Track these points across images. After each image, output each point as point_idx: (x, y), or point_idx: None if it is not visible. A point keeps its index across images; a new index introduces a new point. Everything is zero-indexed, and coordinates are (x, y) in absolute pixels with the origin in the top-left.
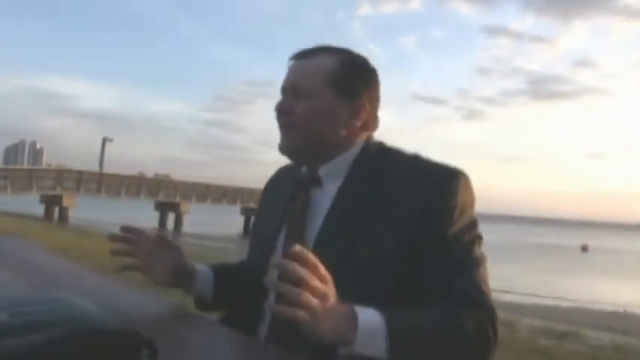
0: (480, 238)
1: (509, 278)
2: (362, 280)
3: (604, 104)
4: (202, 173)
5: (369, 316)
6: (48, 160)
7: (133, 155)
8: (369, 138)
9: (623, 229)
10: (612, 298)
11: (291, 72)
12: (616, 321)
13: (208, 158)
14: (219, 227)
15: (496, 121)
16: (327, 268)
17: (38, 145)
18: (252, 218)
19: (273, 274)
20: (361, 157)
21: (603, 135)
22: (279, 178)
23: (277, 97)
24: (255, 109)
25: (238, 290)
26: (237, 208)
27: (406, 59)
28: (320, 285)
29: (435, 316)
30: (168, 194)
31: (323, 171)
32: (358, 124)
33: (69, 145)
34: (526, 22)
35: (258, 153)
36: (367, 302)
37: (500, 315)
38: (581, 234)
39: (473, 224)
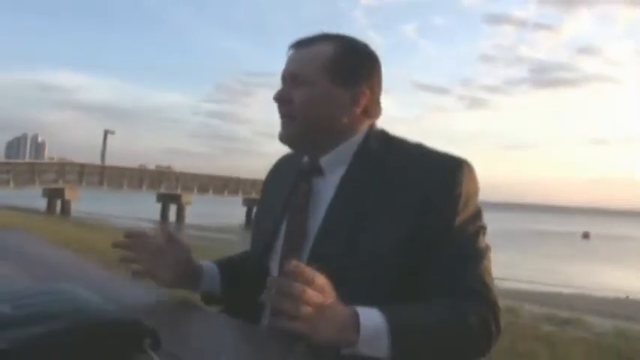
0: (484, 228)
1: (512, 265)
2: (365, 272)
3: (608, 91)
4: (204, 165)
5: (370, 317)
6: (50, 153)
7: (134, 147)
8: (372, 126)
9: (627, 216)
10: (614, 284)
11: (290, 61)
12: (618, 307)
13: (210, 149)
14: (221, 218)
15: (500, 109)
16: (330, 259)
17: (40, 139)
18: (255, 209)
19: (269, 290)
20: (364, 146)
21: (607, 122)
22: (281, 167)
23: (278, 87)
24: (257, 99)
25: (244, 283)
26: (239, 199)
27: (408, 48)
28: (316, 296)
29: (437, 312)
30: (169, 186)
31: (325, 160)
32: (358, 110)
33: (71, 138)
34: (529, 9)
35: (259, 144)
36: (371, 294)
37: (503, 302)
38: (584, 221)
39: (477, 215)
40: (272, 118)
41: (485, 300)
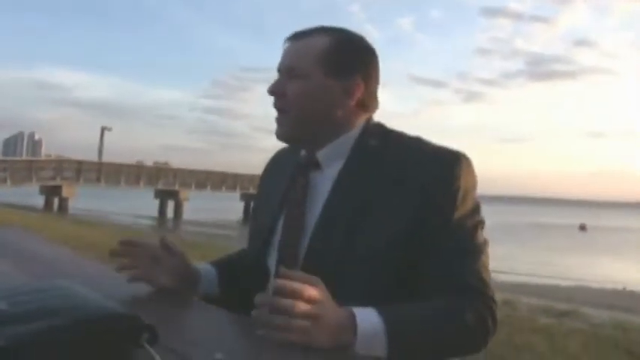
0: (482, 222)
1: (509, 258)
2: (363, 266)
3: (605, 84)
4: (202, 160)
5: (367, 317)
6: (47, 151)
7: (131, 144)
8: (369, 119)
9: (624, 208)
10: (612, 276)
11: (286, 53)
12: (616, 299)
13: (207, 145)
14: (219, 214)
15: (496, 102)
16: (328, 254)
17: (37, 136)
18: (252, 203)
19: (259, 308)
20: (361, 140)
21: (604, 115)
22: (278, 161)
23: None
24: (254, 95)
25: (242, 281)
26: (236, 195)
27: (404, 41)
28: (308, 308)
29: (433, 310)
30: (167, 182)
31: (322, 154)
32: (353, 102)
33: (68, 135)
34: (525, 2)
35: (256, 139)
36: (368, 288)
37: (501, 295)
38: (581, 213)
39: (476, 209)
40: (269, 114)
41: (482, 295)
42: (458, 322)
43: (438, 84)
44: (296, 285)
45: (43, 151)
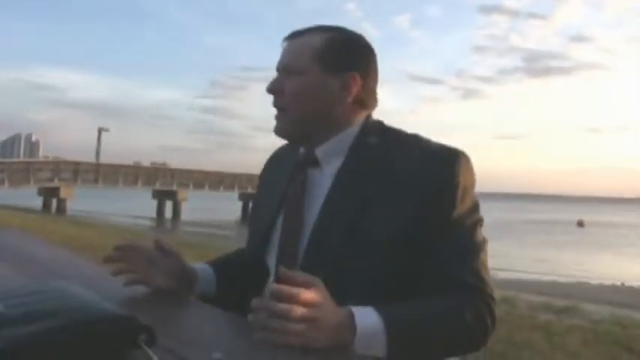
0: (481, 220)
1: (507, 255)
2: (363, 263)
3: (600, 79)
4: (199, 160)
5: (366, 317)
6: (44, 152)
7: (129, 145)
8: (368, 117)
9: (621, 203)
10: (610, 272)
11: (283, 53)
12: (615, 294)
13: (205, 145)
14: (217, 214)
15: (493, 99)
16: (328, 251)
17: (34, 138)
18: (251, 203)
19: (255, 313)
20: (360, 137)
21: (601, 111)
22: (278, 159)
23: None
24: (252, 94)
25: (240, 280)
26: (235, 194)
27: (401, 39)
28: (305, 311)
29: (432, 308)
30: (165, 182)
31: (320, 151)
32: (350, 98)
33: (65, 136)
34: None
35: (254, 138)
36: (368, 285)
37: (499, 292)
38: (578, 209)
39: (475, 207)
40: (267, 113)
41: (480, 293)
42: (457, 320)
43: (434, 81)
44: (293, 289)
45: (41, 152)
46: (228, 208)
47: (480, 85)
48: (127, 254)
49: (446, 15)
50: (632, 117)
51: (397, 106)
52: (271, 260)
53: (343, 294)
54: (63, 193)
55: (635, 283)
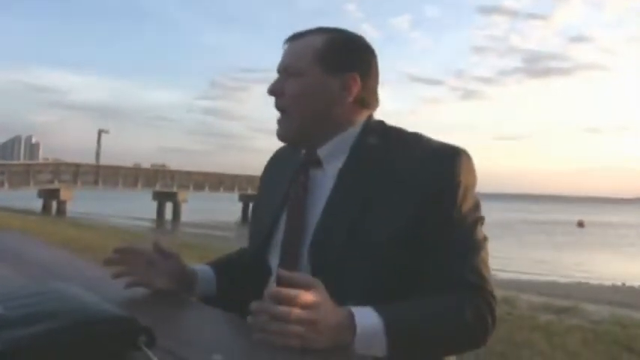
0: (482, 218)
1: (507, 255)
2: (365, 263)
3: (600, 79)
4: (199, 162)
5: (366, 317)
6: (44, 154)
7: (129, 146)
8: (370, 117)
9: (621, 203)
10: (611, 272)
11: (284, 54)
12: (615, 294)
13: (205, 147)
14: (217, 215)
15: (493, 100)
16: (330, 251)
17: (34, 140)
18: (251, 205)
19: (255, 315)
20: (362, 137)
21: (600, 111)
22: (279, 159)
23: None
24: (251, 95)
25: (240, 281)
26: (235, 196)
27: (401, 40)
28: (304, 314)
29: (432, 307)
30: (165, 184)
31: (322, 151)
32: (350, 98)
33: (65, 138)
34: None
35: (254, 140)
36: (370, 285)
37: (499, 292)
38: (578, 210)
39: (476, 205)
40: (267, 114)
41: (481, 291)
42: (457, 319)
43: (434, 82)
44: (292, 291)
45: (41, 154)
46: (228, 209)
47: (479, 85)
48: (126, 257)
49: (445, 16)
50: (632, 117)
51: (397, 106)
52: (273, 260)
53: (345, 294)
54: (63, 195)
55: (635, 283)
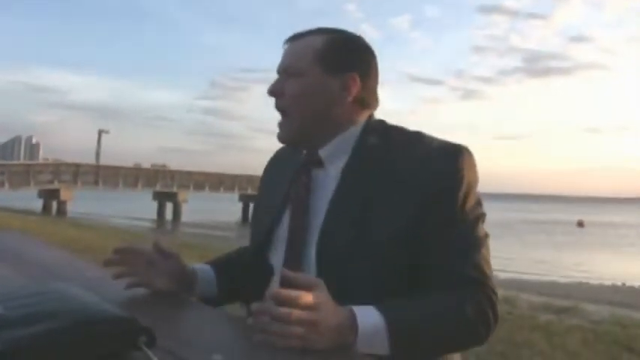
0: (483, 215)
1: (507, 255)
2: (369, 262)
3: (600, 79)
4: (199, 162)
5: (367, 316)
6: (44, 154)
7: (129, 146)
8: (371, 116)
9: (621, 203)
10: (611, 271)
11: (284, 54)
12: (615, 294)
13: (205, 147)
14: (217, 215)
15: (493, 99)
16: (336, 250)
17: (34, 140)
18: (251, 205)
19: (256, 316)
20: (363, 136)
21: (600, 110)
22: (281, 158)
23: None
24: (251, 95)
25: (241, 280)
26: (235, 196)
27: (401, 40)
28: (305, 315)
29: (434, 304)
30: (165, 184)
31: (324, 151)
32: (350, 98)
33: (65, 138)
34: None
35: (254, 140)
36: (374, 283)
37: (500, 292)
38: (578, 210)
39: (478, 203)
40: (267, 114)
41: (482, 287)
42: (459, 315)
43: (434, 82)
44: (292, 292)
45: (41, 154)
46: (228, 209)
47: (479, 85)
48: (126, 257)
49: (445, 15)
50: (632, 117)
51: (397, 106)
52: (274, 259)
53: (349, 293)
54: (63, 195)
55: (635, 283)
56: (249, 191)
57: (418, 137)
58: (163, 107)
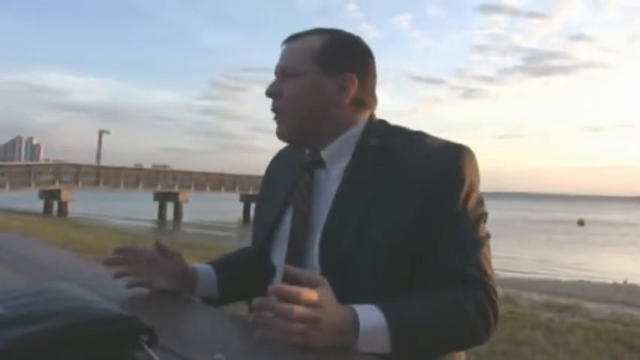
0: (485, 214)
1: (509, 254)
2: (372, 261)
3: (601, 78)
4: (200, 162)
5: (369, 315)
6: (45, 155)
7: (130, 147)
8: (372, 116)
9: (621, 202)
10: (612, 270)
11: (282, 55)
12: (616, 293)
13: (206, 147)
14: (218, 215)
15: (494, 99)
16: (339, 250)
17: (35, 141)
18: (252, 205)
19: (257, 312)
20: (364, 137)
21: (601, 109)
22: (283, 157)
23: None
24: (251, 95)
25: (242, 280)
26: (236, 195)
27: (402, 40)
28: (307, 312)
29: (435, 303)
30: (166, 184)
31: (326, 152)
32: (348, 100)
33: (66, 139)
34: None
35: (255, 139)
36: (376, 282)
37: (501, 291)
38: (579, 208)
39: (479, 202)
40: (267, 114)
41: (482, 284)
42: (460, 314)
43: (435, 81)
44: (294, 288)
45: (42, 155)
46: (229, 209)
47: (480, 84)
48: (127, 256)
49: (446, 15)
50: (634, 115)
51: (398, 106)
52: (276, 258)
53: (352, 292)
54: (64, 196)
55: (636, 282)
56: (251, 191)
57: (420, 137)
58: (163, 107)
